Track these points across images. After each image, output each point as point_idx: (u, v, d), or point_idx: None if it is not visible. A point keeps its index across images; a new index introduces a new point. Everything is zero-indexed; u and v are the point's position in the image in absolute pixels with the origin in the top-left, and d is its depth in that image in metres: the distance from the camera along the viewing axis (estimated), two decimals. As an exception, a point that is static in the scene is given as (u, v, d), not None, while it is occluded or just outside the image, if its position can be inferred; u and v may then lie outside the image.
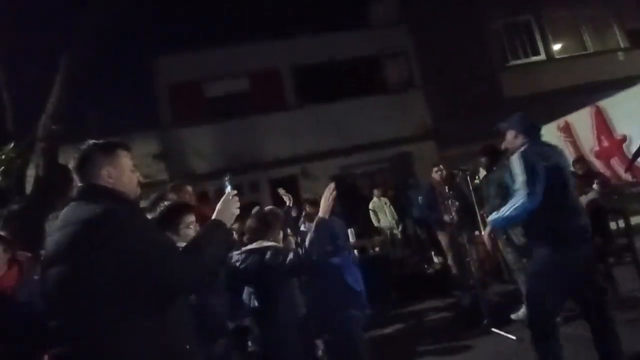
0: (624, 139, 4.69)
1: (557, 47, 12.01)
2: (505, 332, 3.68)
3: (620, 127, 4.64)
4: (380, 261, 5.99)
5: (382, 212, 7.80)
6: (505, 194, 3.87)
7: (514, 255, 3.97)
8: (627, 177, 4.58)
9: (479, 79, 11.02)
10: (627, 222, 4.23)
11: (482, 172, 4.38)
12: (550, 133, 6.09)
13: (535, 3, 11.58)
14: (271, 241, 2.32)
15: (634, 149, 4.40)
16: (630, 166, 4.45)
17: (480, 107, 10.35)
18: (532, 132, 2.67)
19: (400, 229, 7.84)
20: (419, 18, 11.12)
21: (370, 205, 7.99)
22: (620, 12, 12.23)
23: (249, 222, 2.44)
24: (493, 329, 3.75)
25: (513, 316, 4.00)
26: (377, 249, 6.62)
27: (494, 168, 4.00)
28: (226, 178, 1.63)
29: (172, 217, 2.00)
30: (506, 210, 2.49)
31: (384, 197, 7.88)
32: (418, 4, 11.28)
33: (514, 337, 3.56)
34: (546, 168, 2.41)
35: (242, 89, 10.48)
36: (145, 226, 1.42)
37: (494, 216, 2.65)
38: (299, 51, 10.47)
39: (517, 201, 2.42)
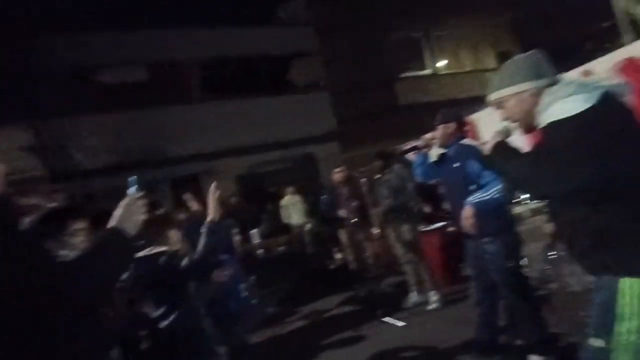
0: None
1: (441, 64, 13.59)
2: (395, 319, 4.06)
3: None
4: (286, 259, 6.10)
5: (293, 210, 7.94)
6: (398, 193, 4.30)
7: (403, 250, 4.40)
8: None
9: (379, 86, 11.90)
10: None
11: (378, 175, 4.75)
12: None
13: (426, 22, 12.91)
14: (164, 246, 2.21)
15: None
16: None
17: (380, 112, 11.19)
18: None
19: (309, 227, 8.06)
20: (326, 22, 11.55)
21: (282, 203, 8.08)
22: (492, 35, 14.31)
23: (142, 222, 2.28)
24: (384, 319, 4.10)
25: (402, 305, 4.44)
26: (283, 247, 6.73)
27: (386, 171, 4.37)
28: (130, 179, 1.49)
29: (51, 224, 1.73)
30: (492, 193, 2.52)
31: (295, 195, 8.02)
32: (325, 8, 11.71)
33: (402, 324, 3.94)
34: None
35: (140, 78, 9.66)
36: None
37: (476, 198, 2.56)
38: (206, 43, 10.04)
39: (497, 189, 2.49)
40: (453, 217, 2.97)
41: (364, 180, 4.55)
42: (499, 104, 1.55)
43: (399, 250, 4.50)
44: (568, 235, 1.47)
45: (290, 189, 7.95)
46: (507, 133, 1.57)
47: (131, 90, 9.47)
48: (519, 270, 2.71)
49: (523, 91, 1.47)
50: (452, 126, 2.72)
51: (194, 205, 3.79)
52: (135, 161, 8.24)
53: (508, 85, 1.51)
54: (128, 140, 8.77)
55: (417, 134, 7.96)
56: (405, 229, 4.36)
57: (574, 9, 12.85)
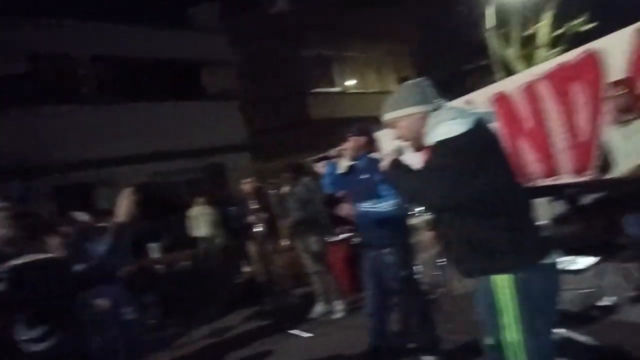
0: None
1: (351, 82, 14.42)
2: (302, 330, 4.08)
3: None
4: (191, 274, 5.74)
5: (201, 222, 7.53)
6: (307, 205, 4.39)
7: (310, 261, 4.48)
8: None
9: (291, 100, 12.11)
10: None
11: (287, 187, 4.79)
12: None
13: (337, 42, 13.60)
14: (42, 253, 1.90)
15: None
16: None
17: (291, 125, 11.37)
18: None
19: (217, 239, 7.71)
20: (243, 31, 11.43)
21: (190, 214, 7.62)
22: (395, 61, 15.67)
23: (7, 232, 1.92)
24: (291, 331, 4.10)
25: (308, 316, 4.49)
26: (187, 262, 6.33)
27: (296, 183, 4.44)
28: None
29: None
30: (385, 206, 2.65)
31: (204, 206, 7.62)
32: (240, 18, 11.60)
33: (309, 335, 3.98)
34: None
35: (22, 72, 8.33)
36: None
37: (369, 207, 2.72)
38: (109, 40, 9.07)
39: (392, 203, 2.62)
40: (357, 227, 3.11)
41: (273, 192, 4.55)
42: (392, 124, 1.71)
43: (306, 261, 4.57)
44: (446, 243, 1.67)
45: (198, 200, 7.55)
46: (400, 151, 1.73)
47: (10, 85, 8.10)
48: (413, 279, 2.89)
49: (413, 114, 1.64)
50: (363, 139, 2.83)
51: (81, 217, 3.38)
52: (11, 167, 7.07)
53: (400, 108, 1.68)
54: (3, 143, 7.46)
55: (326, 148, 8.27)
56: (313, 240, 4.45)
57: (460, 49, 14.86)
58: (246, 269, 7.23)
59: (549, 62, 4.52)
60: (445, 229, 1.65)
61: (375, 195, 2.69)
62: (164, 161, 9.12)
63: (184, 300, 5.48)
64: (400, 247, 2.74)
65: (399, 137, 1.71)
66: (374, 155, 2.76)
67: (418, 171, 1.61)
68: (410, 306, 2.84)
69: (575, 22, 13.00)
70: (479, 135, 1.52)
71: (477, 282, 1.58)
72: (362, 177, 2.77)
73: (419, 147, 1.68)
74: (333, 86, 14.02)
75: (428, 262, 4.06)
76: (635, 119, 2.93)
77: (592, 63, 3.54)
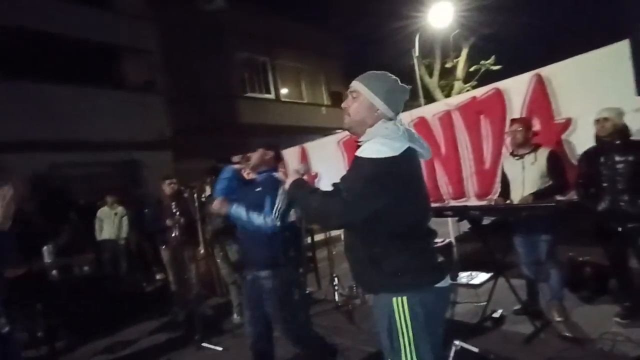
0: (317, 175, 6.15)
1: (283, 90, 14.46)
2: (215, 344, 3.90)
3: (316, 168, 6.05)
4: (89, 282, 5.17)
5: (107, 223, 6.82)
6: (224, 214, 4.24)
7: (228, 271, 4.32)
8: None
9: (220, 100, 11.73)
10: (312, 238, 5.46)
11: (209, 191, 4.59)
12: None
13: (272, 49, 13.59)
14: None
15: (321, 185, 5.77)
16: None
17: (219, 127, 10.99)
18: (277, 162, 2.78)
19: (125, 243, 7.06)
20: (170, 24, 10.81)
21: (98, 214, 6.85)
22: (327, 75, 16.09)
23: None
24: (203, 344, 3.89)
25: (225, 327, 4.31)
26: (86, 267, 5.69)
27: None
28: None
29: None
30: (254, 217, 2.49)
31: (113, 205, 6.93)
32: (175, 9, 10.97)
33: (220, 348, 3.81)
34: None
35: None
36: None
37: (240, 210, 2.54)
38: (2, 5, 7.88)
39: (266, 219, 2.46)
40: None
41: (193, 195, 4.31)
42: (354, 94, 1.66)
43: (224, 271, 4.41)
44: (349, 257, 1.72)
45: (107, 198, 6.85)
46: (303, 171, 1.79)
47: None
48: (294, 304, 2.58)
49: (375, 106, 1.63)
50: (270, 154, 2.71)
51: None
52: None
53: (372, 90, 1.64)
54: None
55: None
56: (234, 249, 4.31)
57: (388, 71, 15.81)
58: (158, 276, 6.75)
59: (462, 95, 5.00)
60: (349, 243, 1.70)
61: (260, 212, 2.51)
62: (66, 152, 8.15)
63: (82, 310, 4.92)
64: (280, 270, 2.53)
65: (346, 108, 1.69)
66: (276, 174, 2.56)
67: (319, 191, 1.62)
68: (292, 336, 2.59)
69: (487, 61, 14.70)
70: (400, 164, 1.53)
71: (376, 299, 1.65)
72: (256, 190, 2.61)
73: (355, 134, 1.69)
74: (267, 92, 13.94)
75: (346, 274, 4.17)
76: (528, 153, 3.35)
77: (498, 100, 4.00)
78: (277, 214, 2.46)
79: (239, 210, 2.54)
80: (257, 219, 2.48)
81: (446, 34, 14.15)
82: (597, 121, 2.98)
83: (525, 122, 3.43)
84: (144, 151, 9.26)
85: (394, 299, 1.56)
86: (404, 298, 1.55)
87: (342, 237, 1.80)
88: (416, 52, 13.38)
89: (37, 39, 8.12)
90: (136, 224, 6.84)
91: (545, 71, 3.69)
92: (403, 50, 14.29)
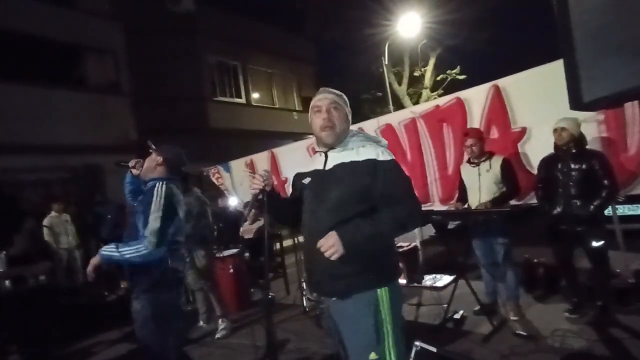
0: (286, 180, 6.17)
1: (255, 95, 14.37)
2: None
3: (286, 172, 6.07)
4: (44, 292, 4.91)
5: (60, 231, 6.51)
6: (195, 218, 4.18)
7: (194, 277, 4.24)
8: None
9: (189, 104, 11.51)
10: (281, 244, 5.45)
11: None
12: (238, 167, 7.09)
13: (243, 53, 13.50)
14: None
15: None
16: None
17: (188, 130, 10.77)
18: (176, 171, 2.47)
19: (81, 251, 6.78)
20: (138, 25, 10.52)
21: (46, 222, 6.52)
22: (299, 80, 16.15)
23: None
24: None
25: (190, 335, 4.22)
26: (42, 277, 5.41)
27: (186, 194, 4.18)
28: None
29: None
30: (127, 252, 2.13)
31: (65, 212, 6.64)
32: (139, 8, 10.68)
33: (185, 356, 3.72)
34: (179, 207, 2.31)
35: None
36: None
37: (110, 250, 2.17)
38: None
39: (139, 248, 2.11)
40: None
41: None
42: (334, 105, 1.75)
43: (190, 277, 4.32)
44: (320, 261, 1.66)
45: (56, 206, 6.54)
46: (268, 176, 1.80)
47: None
48: (155, 331, 2.25)
49: (348, 119, 1.80)
50: (159, 160, 2.38)
51: None
52: None
53: (345, 104, 1.81)
54: None
55: (222, 158, 8.01)
56: (201, 255, 4.24)
57: (358, 79, 16.15)
58: (122, 284, 6.50)
59: (427, 103, 5.17)
60: (306, 253, 1.73)
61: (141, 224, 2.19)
62: (24, 155, 7.74)
63: (35, 322, 4.66)
64: (145, 294, 2.22)
65: (330, 121, 1.74)
66: (161, 181, 2.28)
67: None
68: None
69: (452, 71, 15.27)
70: (370, 166, 1.70)
71: (356, 298, 1.62)
72: (140, 199, 2.35)
73: (333, 144, 1.77)
74: (238, 97, 13.81)
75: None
76: (483, 161, 3.51)
77: (459, 109, 4.17)
78: (154, 235, 2.09)
79: (109, 255, 2.15)
80: (132, 254, 2.10)
81: (414, 43, 14.60)
82: (555, 130, 3.15)
83: (477, 135, 3.60)
84: (107, 155, 8.93)
85: (379, 290, 1.63)
86: (386, 289, 1.65)
87: (305, 237, 1.79)
88: (386, 60, 13.69)
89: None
90: (94, 230, 6.59)
91: (502, 82, 3.88)
92: (373, 57, 14.61)
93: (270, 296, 1.72)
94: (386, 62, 14.02)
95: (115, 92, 9.78)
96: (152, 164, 2.39)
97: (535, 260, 4.12)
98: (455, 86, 13.90)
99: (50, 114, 8.17)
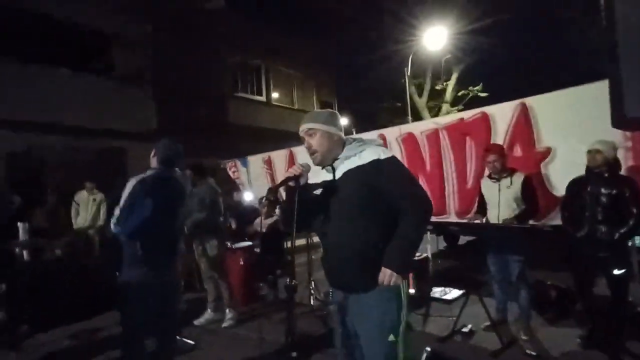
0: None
1: (274, 94, 14.52)
2: (184, 337, 3.85)
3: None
4: (60, 267, 5.02)
5: (85, 209, 6.64)
6: (208, 207, 4.24)
7: (207, 265, 4.30)
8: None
9: (210, 98, 11.67)
10: (292, 242, 5.47)
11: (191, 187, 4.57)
12: (256, 163, 7.17)
13: (267, 53, 13.65)
14: None
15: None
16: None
17: (207, 124, 10.92)
18: (166, 163, 2.74)
19: (99, 232, 6.88)
20: (166, 18, 10.74)
21: (76, 198, 6.67)
22: (318, 84, 16.27)
23: None
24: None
25: (196, 322, 4.27)
26: (58, 251, 5.54)
27: (199, 184, 4.27)
28: None
29: None
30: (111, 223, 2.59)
31: (92, 191, 6.76)
32: (168, 6, 10.90)
33: (191, 342, 3.78)
34: (152, 200, 2.57)
35: None
36: None
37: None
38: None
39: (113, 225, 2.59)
40: None
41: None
42: (310, 132, 1.88)
43: (202, 265, 4.38)
44: (341, 256, 1.81)
45: (87, 184, 6.69)
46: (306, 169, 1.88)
47: None
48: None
49: (332, 133, 1.87)
50: (152, 153, 2.81)
51: None
52: None
53: (324, 123, 1.88)
54: None
55: (238, 154, 8.10)
56: (213, 244, 4.30)
57: (380, 88, 16.19)
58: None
59: (451, 115, 5.17)
60: (343, 240, 1.78)
61: None
62: (53, 135, 7.94)
63: (46, 294, 4.76)
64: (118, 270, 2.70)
65: (309, 147, 1.88)
66: (134, 179, 2.63)
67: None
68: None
69: (475, 87, 15.21)
70: (379, 167, 1.82)
71: (378, 292, 1.72)
72: None
73: (322, 162, 1.89)
74: (259, 95, 13.97)
75: (323, 279, 4.21)
76: (505, 177, 3.50)
77: (484, 124, 4.17)
78: (114, 219, 2.54)
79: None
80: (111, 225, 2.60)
81: (439, 56, 14.59)
82: (589, 152, 3.06)
83: (499, 151, 3.59)
84: (129, 141, 9.11)
85: (401, 284, 1.73)
86: (406, 281, 1.77)
87: (324, 240, 1.88)
88: (409, 71, 13.73)
89: (26, 19, 7.94)
90: (111, 212, 6.69)
91: (530, 100, 3.88)
92: (396, 67, 14.65)
93: (293, 283, 1.78)
94: (409, 73, 14.05)
95: (139, 82, 9.97)
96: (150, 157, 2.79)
97: (549, 283, 4.08)
98: (475, 103, 13.85)
99: (76, 98, 8.37)
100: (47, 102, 7.91)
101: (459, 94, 15.57)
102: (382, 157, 1.78)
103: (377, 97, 16.54)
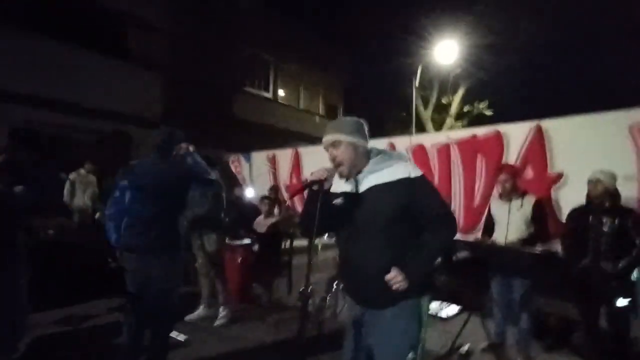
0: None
1: (281, 92, 14.44)
2: (178, 332, 3.77)
3: (307, 173, 6.06)
4: (54, 247, 4.91)
5: (81, 189, 6.52)
6: (210, 202, 4.16)
7: (204, 261, 4.22)
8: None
9: (218, 91, 11.57)
10: (291, 243, 5.41)
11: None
12: (259, 160, 7.09)
13: (276, 49, 13.57)
14: None
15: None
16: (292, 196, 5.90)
17: (213, 116, 10.84)
18: (159, 150, 2.80)
19: (97, 214, 6.76)
20: (187, 6, 10.67)
21: (71, 176, 6.54)
22: (326, 86, 16.22)
23: None
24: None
25: (187, 318, 4.19)
26: (50, 231, 5.42)
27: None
28: None
29: None
30: None
31: (92, 173, 6.63)
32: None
33: (182, 338, 3.69)
34: (129, 183, 2.73)
35: None
36: None
37: None
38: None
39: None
40: None
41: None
42: (335, 143, 1.79)
43: (199, 260, 4.30)
44: (365, 269, 1.77)
45: (88, 165, 6.58)
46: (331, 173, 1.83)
47: None
48: None
49: (358, 145, 1.79)
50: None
51: None
52: None
53: (350, 134, 1.79)
54: None
55: (243, 149, 8.02)
56: (211, 239, 4.22)
57: (385, 98, 16.21)
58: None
59: (463, 131, 5.14)
60: (367, 253, 1.73)
61: None
62: (58, 112, 7.82)
63: (37, 275, 4.64)
64: None
65: (334, 158, 1.81)
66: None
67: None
68: None
69: (480, 104, 15.25)
70: (405, 185, 1.78)
71: (399, 307, 1.70)
72: None
73: (347, 174, 1.81)
74: (266, 91, 13.89)
75: (321, 284, 4.15)
76: (515, 198, 3.46)
77: (497, 142, 4.14)
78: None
79: None
80: None
81: (447, 70, 14.60)
82: (590, 182, 3.07)
83: (512, 172, 3.56)
84: (135, 125, 9.00)
85: (422, 300, 1.76)
86: (427, 297, 1.79)
87: (345, 254, 1.83)
88: (416, 82, 13.72)
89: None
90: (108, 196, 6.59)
91: (546, 123, 3.86)
92: (404, 77, 14.63)
93: (310, 288, 1.72)
94: (416, 85, 14.04)
95: (151, 68, 9.87)
96: None
97: (548, 310, 4.04)
98: (480, 120, 13.86)
99: (89, 77, 8.25)
100: (56, 80, 7.78)
101: (465, 109, 15.59)
102: (412, 175, 1.74)
103: (384, 105, 16.52)
